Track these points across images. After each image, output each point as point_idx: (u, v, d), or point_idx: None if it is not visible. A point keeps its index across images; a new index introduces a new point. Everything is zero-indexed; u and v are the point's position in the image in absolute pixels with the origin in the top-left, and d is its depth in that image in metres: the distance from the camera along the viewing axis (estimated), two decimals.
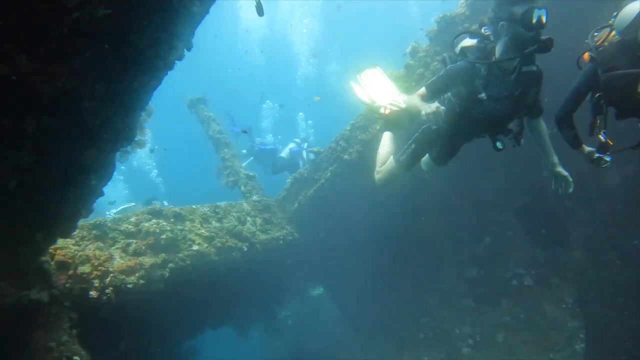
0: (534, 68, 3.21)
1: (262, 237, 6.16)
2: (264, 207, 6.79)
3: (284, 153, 10.31)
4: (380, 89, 4.07)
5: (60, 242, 3.97)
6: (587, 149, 3.44)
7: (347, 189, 6.56)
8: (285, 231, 6.71)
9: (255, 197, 6.92)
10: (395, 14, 26.78)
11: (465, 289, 7.35)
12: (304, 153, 9.45)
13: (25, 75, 2.02)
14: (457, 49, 3.50)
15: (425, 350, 7.45)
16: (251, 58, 26.96)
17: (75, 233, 4.28)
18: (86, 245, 4.22)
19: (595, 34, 3.34)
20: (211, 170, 8.37)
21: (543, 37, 2.91)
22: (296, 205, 7.07)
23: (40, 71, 2.07)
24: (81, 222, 4.44)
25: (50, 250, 3.83)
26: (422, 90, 3.35)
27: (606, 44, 3.19)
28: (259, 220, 6.42)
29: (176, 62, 2.82)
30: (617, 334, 6.12)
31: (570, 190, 3.48)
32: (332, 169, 6.53)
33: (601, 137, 3.30)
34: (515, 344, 6.67)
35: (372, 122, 6.04)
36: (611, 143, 3.29)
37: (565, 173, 3.48)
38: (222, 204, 6.16)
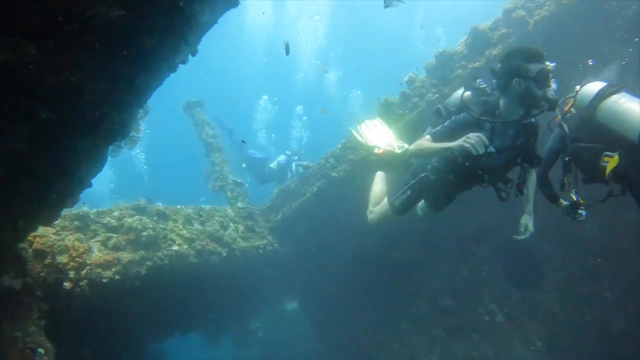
0: (533, 120, 3.30)
1: (243, 244, 6.17)
2: (248, 215, 6.81)
3: (274, 164, 10.38)
4: (378, 135, 4.25)
5: (41, 230, 3.94)
6: (564, 203, 3.64)
7: (332, 206, 6.64)
8: (266, 241, 6.73)
9: (240, 204, 6.95)
10: (400, 33, 27.31)
11: (438, 318, 7.41)
12: (294, 165, 9.53)
13: (32, 65, 2.08)
14: (452, 100, 3.59)
15: None
16: (255, 60, 26.99)
17: (56, 222, 4.25)
18: (66, 236, 4.20)
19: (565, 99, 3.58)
20: (200, 173, 8.39)
21: (551, 96, 3.01)
22: (280, 216, 7.12)
23: (46, 62, 2.12)
24: (64, 212, 4.43)
25: (30, 238, 3.80)
26: (427, 138, 3.38)
27: (572, 110, 3.47)
28: (241, 227, 6.44)
29: (179, 65, 2.90)
30: None
31: (524, 237, 3.62)
32: (319, 184, 6.62)
33: (573, 196, 3.51)
34: None
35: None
36: (582, 202, 3.49)
37: (530, 222, 3.62)
38: (207, 207, 6.17)
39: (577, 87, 3.41)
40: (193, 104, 8.59)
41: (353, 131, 4.39)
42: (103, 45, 2.18)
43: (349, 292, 8.00)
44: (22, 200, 2.92)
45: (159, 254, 4.81)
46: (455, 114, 3.47)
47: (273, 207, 7.43)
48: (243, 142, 10.26)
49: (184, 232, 5.32)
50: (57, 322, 3.70)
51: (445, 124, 3.38)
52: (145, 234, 4.75)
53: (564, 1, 4.93)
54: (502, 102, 3.22)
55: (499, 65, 3.19)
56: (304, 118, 19.43)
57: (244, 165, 10.43)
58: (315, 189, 6.69)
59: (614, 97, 3.11)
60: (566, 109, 3.51)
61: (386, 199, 3.98)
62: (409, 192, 3.78)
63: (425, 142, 3.34)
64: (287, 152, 10.59)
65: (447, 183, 3.56)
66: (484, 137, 2.94)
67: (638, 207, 3.27)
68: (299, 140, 19.16)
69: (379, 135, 4.30)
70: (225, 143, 10.21)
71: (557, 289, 6.44)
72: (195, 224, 5.65)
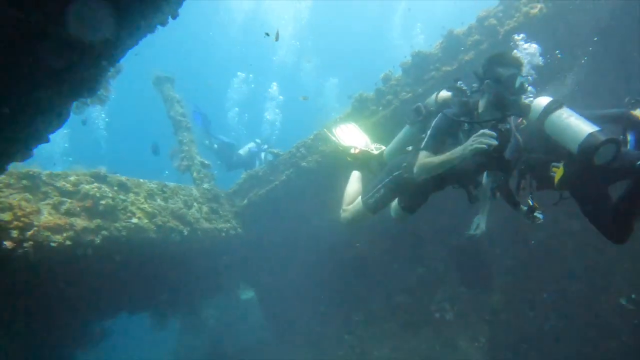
0: (508, 126, 3.34)
1: (206, 225, 6.05)
2: (213, 197, 6.68)
3: (242, 151, 10.24)
4: (353, 138, 4.35)
5: None
6: (524, 208, 3.81)
7: (300, 196, 6.65)
8: (229, 224, 6.64)
9: (206, 185, 6.81)
10: (379, 25, 27.40)
11: (391, 313, 7.62)
12: (263, 154, 9.44)
13: None
14: (434, 98, 3.66)
15: None
16: (231, 35, 26.23)
17: (1, 178, 3.98)
18: (11, 194, 3.94)
19: None
20: (164, 149, 8.12)
21: (523, 102, 3.14)
22: (245, 201, 7.04)
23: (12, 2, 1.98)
24: (11, 169, 4.15)
25: None
26: (424, 154, 3.32)
27: (524, 122, 3.69)
28: (205, 208, 6.31)
29: (158, 26, 2.80)
30: None
31: (476, 233, 3.82)
32: (288, 172, 6.61)
33: (529, 201, 3.73)
34: None
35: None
36: (537, 206, 3.71)
37: (483, 222, 3.84)
38: (171, 184, 6.00)
39: (529, 97, 3.62)
40: (163, 79, 8.29)
41: (328, 132, 4.45)
42: None
43: (305, 284, 8.05)
44: None
45: (117, 224, 4.63)
46: (434, 114, 3.48)
47: (239, 192, 7.33)
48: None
49: (146, 206, 5.14)
50: None
51: (429, 132, 3.35)
52: (103, 202, 4.55)
53: (531, 14, 5.24)
54: (480, 104, 3.31)
55: (480, 69, 3.29)
56: (280, 97, 19.01)
57: (215, 146, 10.21)
58: (284, 177, 6.67)
59: (558, 112, 3.35)
60: (519, 120, 3.71)
61: (360, 197, 3.96)
62: (382, 191, 3.75)
63: (429, 159, 3.25)
64: (257, 140, 10.48)
65: (421, 182, 3.52)
66: (489, 131, 2.97)
67: (582, 214, 3.54)
68: (272, 123, 18.67)
69: (354, 138, 4.39)
70: (194, 125, 9.98)
71: (503, 290, 6.79)
72: (158, 200, 5.48)
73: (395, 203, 3.97)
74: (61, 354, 7.10)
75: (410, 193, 3.72)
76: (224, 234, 6.41)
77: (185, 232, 5.54)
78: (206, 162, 7.49)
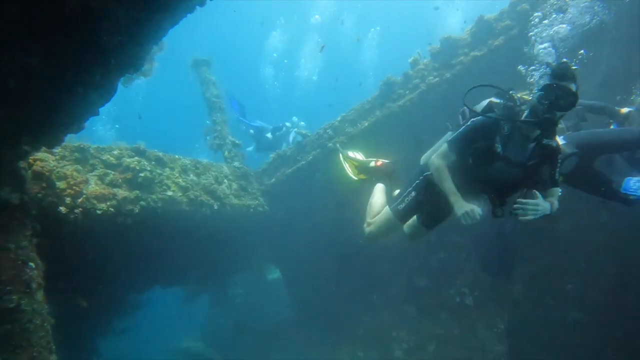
0: (554, 143, 3.16)
1: (235, 201, 6.36)
2: (242, 175, 6.99)
3: (270, 134, 10.52)
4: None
5: (41, 154, 4.07)
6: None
7: (325, 176, 6.83)
8: (257, 202, 6.94)
9: (236, 164, 7.12)
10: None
11: (411, 296, 7.75)
12: (291, 136, 9.66)
13: None
14: (479, 105, 3.45)
15: (361, 346, 7.82)
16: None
17: (56, 151, 4.38)
18: (65, 165, 4.33)
19: None
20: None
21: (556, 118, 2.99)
22: (273, 180, 7.31)
23: None
24: (65, 143, 4.54)
25: (30, 160, 3.93)
26: (444, 148, 3.24)
27: None
28: (234, 185, 6.62)
29: (197, 7, 3.02)
30: None
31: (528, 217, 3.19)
32: (314, 153, 6.80)
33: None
34: (444, 356, 7.11)
35: (362, 117, 6.33)
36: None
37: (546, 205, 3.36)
38: (204, 161, 6.33)
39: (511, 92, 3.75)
40: (201, 62, 8.64)
41: (341, 159, 4.48)
42: None
43: (329, 265, 8.27)
44: (28, 118, 3.05)
45: (153, 196, 4.98)
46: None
47: (267, 171, 7.61)
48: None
49: (180, 180, 5.48)
50: (46, 246, 3.87)
51: (461, 129, 3.24)
52: (142, 175, 4.91)
53: None
54: (525, 113, 3.15)
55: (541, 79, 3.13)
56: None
57: (251, 131, 10.55)
58: (310, 157, 6.87)
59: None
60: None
61: (387, 207, 3.74)
62: (413, 193, 3.53)
63: (444, 173, 3.18)
64: (287, 123, 10.71)
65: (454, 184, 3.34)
66: (477, 216, 2.98)
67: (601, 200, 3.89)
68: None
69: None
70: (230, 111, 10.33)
71: (525, 280, 6.77)
72: (191, 175, 5.82)
73: (412, 219, 3.75)
74: (100, 321, 7.69)
75: (437, 202, 3.47)
76: (251, 210, 6.72)
77: (215, 207, 5.86)
78: (237, 141, 7.80)
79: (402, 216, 3.59)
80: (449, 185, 3.14)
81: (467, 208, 3.00)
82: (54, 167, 4.06)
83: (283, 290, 10.85)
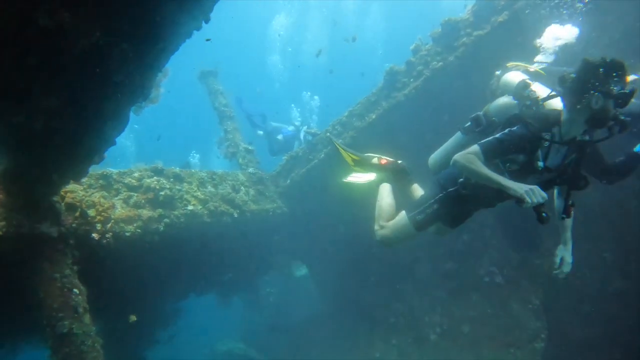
0: (587, 137, 2.96)
1: (253, 207, 6.53)
2: (258, 180, 7.15)
3: (280, 136, 10.62)
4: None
5: (71, 186, 4.30)
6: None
7: (339, 173, 6.89)
8: (275, 204, 7.09)
9: (251, 169, 7.28)
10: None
11: (439, 281, 7.77)
12: (302, 135, 9.75)
13: (66, 30, 2.33)
14: (495, 108, 3.32)
15: (394, 333, 7.91)
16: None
17: (83, 181, 4.62)
18: (92, 193, 4.57)
19: None
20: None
21: (622, 118, 2.78)
22: (288, 181, 7.44)
23: (79, 27, 2.38)
24: (90, 172, 4.79)
25: (62, 193, 4.17)
26: (475, 149, 2.97)
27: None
28: (252, 191, 6.79)
29: (194, 31, 3.13)
30: (576, 339, 6.53)
31: (564, 272, 3.34)
32: (326, 151, 6.88)
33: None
34: (480, 337, 7.11)
35: (369, 110, 6.36)
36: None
37: (568, 254, 3.35)
38: (219, 171, 6.51)
39: (497, 72, 3.78)
40: (207, 73, 8.82)
41: (338, 148, 4.35)
42: (129, 11, 2.42)
43: (353, 256, 8.37)
44: (56, 155, 3.26)
45: (176, 212, 5.19)
46: (498, 125, 3.23)
47: (282, 173, 7.75)
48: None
49: (198, 193, 5.67)
50: (85, 271, 4.12)
51: (498, 136, 3.00)
52: (162, 193, 5.11)
53: None
54: (564, 117, 2.91)
55: (573, 75, 2.82)
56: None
57: (260, 132, 10.69)
58: (322, 155, 6.96)
59: (535, 86, 3.40)
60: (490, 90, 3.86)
61: (404, 212, 3.57)
62: (435, 206, 3.36)
63: (478, 163, 2.92)
64: (296, 122, 10.78)
65: (481, 198, 3.24)
66: (544, 194, 2.69)
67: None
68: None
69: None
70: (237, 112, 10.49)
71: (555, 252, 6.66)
72: (209, 187, 6.00)
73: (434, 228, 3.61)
74: (144, 333, 8.05)
75: (462, 209, 3.41)
76: (271, 214, 6.88)
77: (235, 215, 6.04)
78: (250, 147, 7.96)
79: (421, 226, 3.45)
80: (490, 174, 2.85)
81: (527, 187, 2.69)
82: (83, 197, 4.29)
83: (312, 285, 11.05)
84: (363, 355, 8.00)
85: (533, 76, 3.74)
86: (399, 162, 3.97)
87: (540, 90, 3.46)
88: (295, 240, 8.68)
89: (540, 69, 3.91)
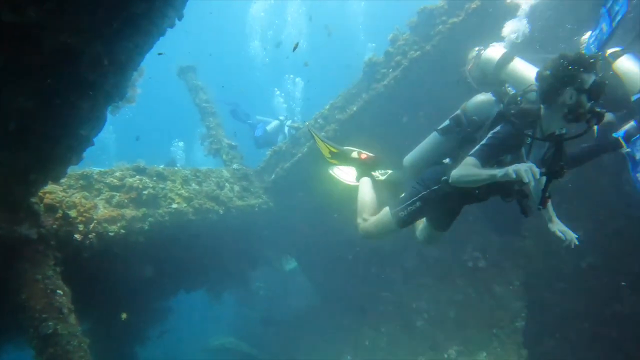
0: (565, 130, 2.99)
1: (239, 203, 6.55)
2: (243, 176, 7.15)
3: (258, 131, 10.60)
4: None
5: (49, 187, 4.26)
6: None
7: (323, 165, 6.95)
8: (260, 200, 7.11)
9: (235, 166, 7.28)
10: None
11: (425, 268, 7.94)
12: (286, 129, 9.76)
13: (34, 27, 2.31)
14: (473, 106, 3.35)
15: (383, 321, 8.07)
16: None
17: (63, 181, 4.57)
18: (73, 194, 4.53)
19: None
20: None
21: (597, 109, 2.80)
22: (273, 176, 7.46)
23: (47, 25, 2.36)
24: (69, 172, 4.74)
25: (40, 194, 4.12)
26: (471, 160, 3.00)
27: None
28: (236, 187, 6.80)
29: (167, 29, 3.12)
30: (554, 315, 6.79)
31: (572, 241, 3.29)
32: (309, 144, 6.91)
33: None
34: (465, 319, 7.31)
35: (350, 102, 6.41)
36: None
37: (564, 227, 3.34)
38: (203, 168, 6.50)
39: (477, 48, 4.13)
40: (186, 69, 8.72)
41: (317, 140, 4.38)
42: (98, 8, 2.41)
43: (341, 247, 8.47)
44: (32, 156, 3.23)
45: (160, 211, 5.18)
46: (479, 123, 3.28)
47: (266, 168, 7.76)
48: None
49: (182, 191, 5.66)
50: (70, 272, 4.11)
51: (487, 142, 3.04)
52: (146, 192, 5.09)
53: None
54: (543, 112, 2.98)
55: (548, 72, 2.89)
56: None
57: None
58: (305, 149, 7.00)
59: (514, 62, 3.85)
60: (469, 67, 4.18)
61: (387, 208, 3.61)
62: (418, 204, 3.41)
63: (475, 171, 2.95)
64: (281, 117, 10.78)
65: (466, 196, 3.32)
66: (534, 168, 2.68)
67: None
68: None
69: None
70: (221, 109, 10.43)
71: (534, 235, 6.88)
72: (193, 184, 5.99)
73: (424, 225, 3.71)
74: (135, 331, 8.05)
75: (447, 208, 3.48)
76: (257, 209, 6.90)
77: (221, 211, 6.05)
78: (233, 143, 7.94)
79: (403, 223, 3.50)
80: (483, 173, 2.90)
81: (522, 166, 2.68)
82: (63, 198, 4.26)
83: (302, 278, 11.15)
84: (353, 344, 8.14)
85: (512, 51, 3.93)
86: (379, 156, 4.01)
87: (520, 66, 3.62)
88: (283, 234, 8.73)
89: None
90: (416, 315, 7.75)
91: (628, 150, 3.82)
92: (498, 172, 2.78)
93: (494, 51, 4.03)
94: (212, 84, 9.20)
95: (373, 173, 4.03)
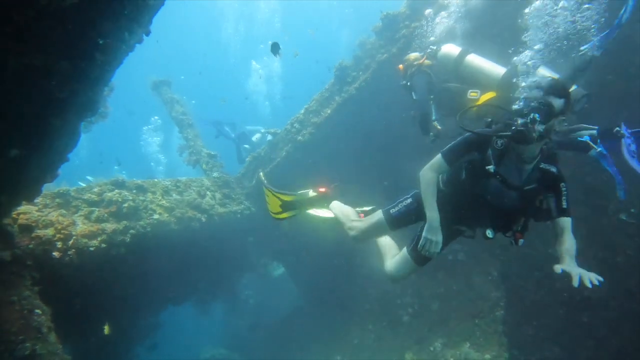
0: (554, 169, 2.94)
1: (221, 210, 6.60)
2: (224, 183, 7.21)
3: (248, 144, 10.70)
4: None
5: (23, 208, 4.25)
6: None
7: (300, 167, 7.08)
8: (242, 206, 7.19)
9: (215, 174, 7.33)
10: None
11: None
12: (268, 137, 9.85)
13: None
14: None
15: (370, 319, 8.20)
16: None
17: (38, 201, 4.56)
18: (49, 212, 4.52)
19: None
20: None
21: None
22: (253, 182, 7.54)
23: (9, 48, 2.40)
24: (45, 191, 4.72)
25: (14, 215, 4.11)
26: (437, 159, 3.13)
27: (427, 62, 4.75)
28: (218, 195, 6.86)
29: (136, 45, 3.21)
30: (530, 303, 7.05)
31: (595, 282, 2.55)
32: (287, 148, 7.03)
33: (437, 126, 4.48)
34: (448, 311, 7.50)
35: (324, 106, 6.58)
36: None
37: (577, 268, 2.73)
38: (184, 178, 6.54)
39: (432, 47, 4.60)
40: (160, 83, 8.74)
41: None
42: (62, 29, 2.48)
43: (325, 249, 8.55)
44: (3, 177, 3.24)
45: (141, 222, 5.20)
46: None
47: (247, 175, 7.84)
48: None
49: (164, 202, 5.69)
50: (50, 291, 4.08)
51: (457, 140, 3.13)
52: (126, 205, 5.11)
53: None
54: (498, 125, 3.06)
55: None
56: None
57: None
58: (284, 153, 7.11)
59: (472, 55, 4.31)
60: (422, 61, 4.66)
61: (380, 211, 3.61)
62: (409, 200, 3.43)
63: (431, 186, 3.11)
64: (262, 130, 10.85)
65: (449, 200, 3.26)
66: (436, 245, 3.00)
67: None
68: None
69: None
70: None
71: None
72: (174, 195, 6.04)
73: (401, 254, 3.60)
74: (120, 350, 7.95)
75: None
76: (239, 215, 6.97)
77: (203, 219, 6.10)
78: (212, 152, 8.00)
79: (393, 220, 3.47)
80: (430, 200, 3.04)
81: (434, 237, 2.96)
82: (39, 217, 4.25)
83: (290, 284, 11.19)
84: (342, 343, 8.24)
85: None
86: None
87: (477, 60, 4.28)
88: (268, 240, 8.80)
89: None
90: (402, 310, 7.90)
91: (599, 149, 3.97)
92: (431, 217, 3.02)
93: (451, 47, 4.47)
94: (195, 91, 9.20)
95: (360, 213, 3.97)
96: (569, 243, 2.93)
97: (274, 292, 13.52)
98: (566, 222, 3.01)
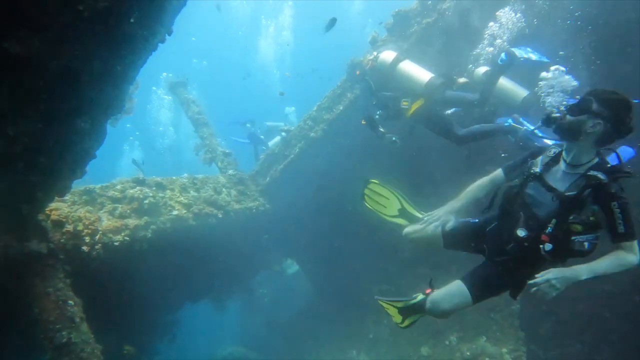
0: (602, 177, 2.64)
1: (236, 206, 6.77)
2: (239, 180, 7.39)
3: (265, 146, 10.75)
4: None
5: (55, 204, 4.47)
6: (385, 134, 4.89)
7: (313, 164, 7.21)
8: (257, 202, 7.34)
9: (230, 171, 7.51)
10: None
11: (421, 258, 8.13)
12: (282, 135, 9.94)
13: (37, 55, 2.53)
14: None
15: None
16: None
17: (67, 198, 4.78)
18: (77, 209, 4.74)
19: None
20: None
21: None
22: (268, 179, 7.69)
23: (49, 51, 2.58)
24: (72, 189, 4.94)
25: (46, 211, 4.33)
26: (498, 172, 3.39)
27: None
28: (233, 192, 7.03)
29: (159, 44, 3.37)
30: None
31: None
32: (300, 145, 7.17)
33: (382, 130, 4.85)
34: None
35: (336, 102, 6.69)
36: (383, 130, 4.92)
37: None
38: (200, 176, 6.73)
39: (375, 53, 4.88)
40: (176, 84, 8.97)
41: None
42: (95, 32, 2.64)
43: (339, 245, 8.66)
44: (38, 174, 3.44)
45: (161, 218, 5.39)
46: None
47: (261, 172, 7.99)
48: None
49: (182, 198, 5.88)
50: (79, 283, 4.29)
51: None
52: (146, 202, 5.31)
53: None
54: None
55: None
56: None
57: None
58: (297, 149, 7.24)
59: (405, 62, 4.62)
60: (368, 67, 4.93)
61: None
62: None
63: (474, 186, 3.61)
64: (283, 133, 10.83)
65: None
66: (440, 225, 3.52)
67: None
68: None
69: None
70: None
71: None
72: (191, 191, 6.22)
73: (457, 287, 3.61)
74: (143, 348, 8.17)
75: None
76: (254, 211, 7.13)
77: (220, 215, 6.27)
78: (227, 151, 8.19)
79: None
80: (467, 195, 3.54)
81: (444, 216, 3.44)
82: (69, 213, 4.46)
83: (305, 281, 11.31)
84: (357, 338, 8.31)
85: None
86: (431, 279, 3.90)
87: (409, 67, 4.67)
88: (282, 237, 8.93)
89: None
90: None
91: (524, 128, 4.27)
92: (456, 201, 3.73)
93: (388, 54, 4.77)
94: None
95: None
96: (601, 262, 2.74)
97: (288, 291, 13.64)
98: (629, 246, 2.68)
